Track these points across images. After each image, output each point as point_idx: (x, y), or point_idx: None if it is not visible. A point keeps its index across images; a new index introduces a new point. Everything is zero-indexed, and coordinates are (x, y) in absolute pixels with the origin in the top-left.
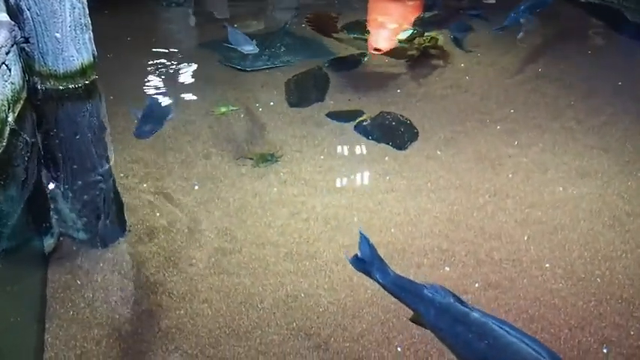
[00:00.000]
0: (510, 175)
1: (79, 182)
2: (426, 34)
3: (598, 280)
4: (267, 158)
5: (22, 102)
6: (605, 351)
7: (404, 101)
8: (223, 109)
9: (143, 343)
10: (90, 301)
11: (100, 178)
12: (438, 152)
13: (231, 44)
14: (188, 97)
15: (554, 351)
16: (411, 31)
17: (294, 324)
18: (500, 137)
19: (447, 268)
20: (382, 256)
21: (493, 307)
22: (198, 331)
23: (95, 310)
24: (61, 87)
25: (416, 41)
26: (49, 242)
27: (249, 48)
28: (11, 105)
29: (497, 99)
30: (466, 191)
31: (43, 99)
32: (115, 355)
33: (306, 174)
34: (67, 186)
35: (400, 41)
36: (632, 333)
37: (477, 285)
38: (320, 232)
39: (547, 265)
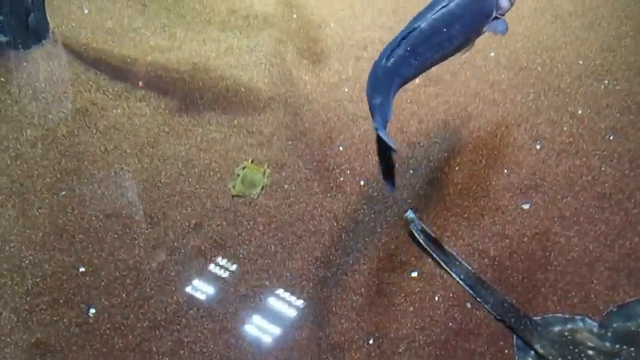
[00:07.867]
0: None
1: None
2: None
3: (539, 68)
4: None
5: None
6: (538, 147)
7: None
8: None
9: (80, 145)
10: (17, 98)
11: None
12: None
13: None
14: None
15: None
16: None
17: (236, 121)
18: None
19: None
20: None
21: (432, 105)
22: (137, 130)
23: (24, 108)
24: None
25: None
26: None
27: None
28: None
29: None
30: None
31: None
32: (52, 157)
33: None
34: None
35: None
36: (564, 129)
37: (417, 81)
38: (260, 28)
39: (492, 55)
